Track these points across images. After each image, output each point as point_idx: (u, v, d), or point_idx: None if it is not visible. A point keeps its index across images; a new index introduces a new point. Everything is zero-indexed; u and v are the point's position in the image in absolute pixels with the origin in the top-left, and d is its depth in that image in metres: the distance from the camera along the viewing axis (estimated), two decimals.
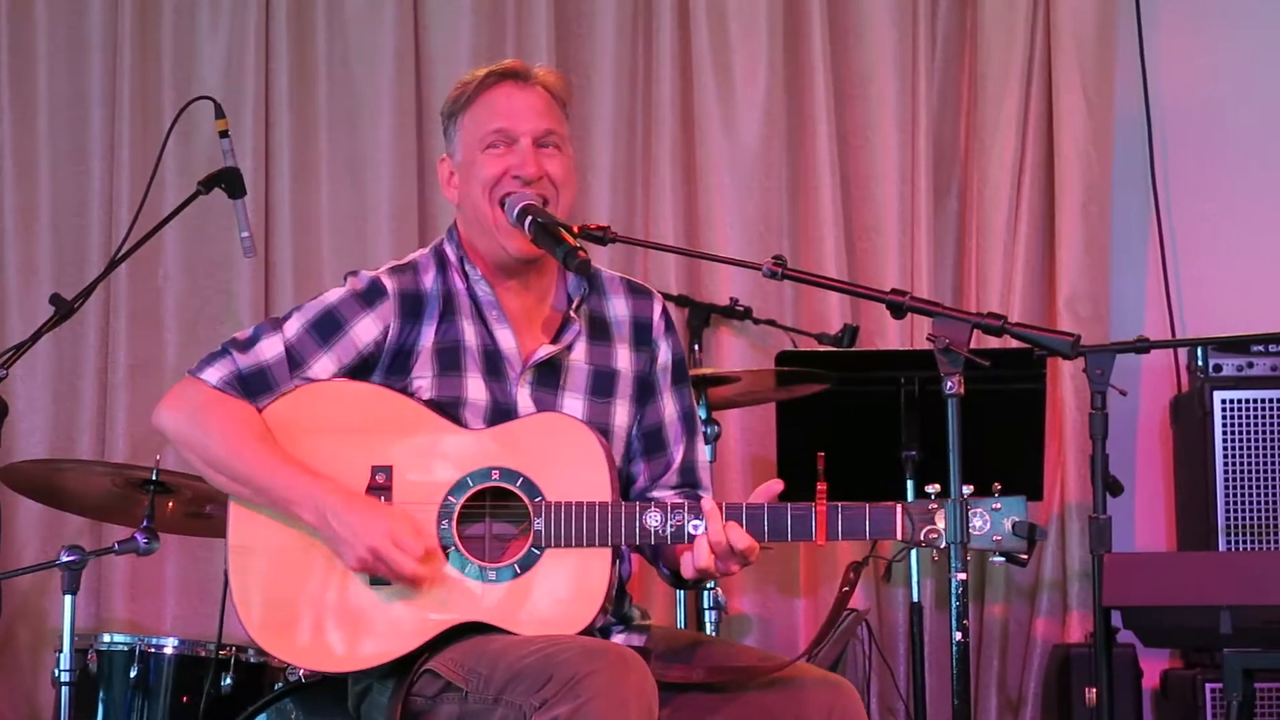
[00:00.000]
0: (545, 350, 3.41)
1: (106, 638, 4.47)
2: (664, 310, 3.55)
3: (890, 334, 5.52)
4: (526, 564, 3.24)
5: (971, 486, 3.15)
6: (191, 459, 3.37)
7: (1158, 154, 5.79)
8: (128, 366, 5.40)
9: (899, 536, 3.19)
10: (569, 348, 3.43)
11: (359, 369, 3.38)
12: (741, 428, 5.50)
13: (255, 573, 3.31)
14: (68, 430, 5.42)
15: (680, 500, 3.28)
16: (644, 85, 5.67)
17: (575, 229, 3.31)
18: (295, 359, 3.34)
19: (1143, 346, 4.45)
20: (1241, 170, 5.82)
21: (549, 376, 3.42)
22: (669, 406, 3.53)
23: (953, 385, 3.10)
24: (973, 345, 3.13)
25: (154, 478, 4.31)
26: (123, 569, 5.31)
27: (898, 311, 3.24)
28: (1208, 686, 4.94)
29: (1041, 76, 5.66)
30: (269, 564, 3.30)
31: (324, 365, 3.35)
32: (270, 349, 3.35)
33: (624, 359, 3.48)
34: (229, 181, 4.31)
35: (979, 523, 3.17)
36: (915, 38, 5.66)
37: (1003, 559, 3.20)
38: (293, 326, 3.37)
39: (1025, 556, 3.19)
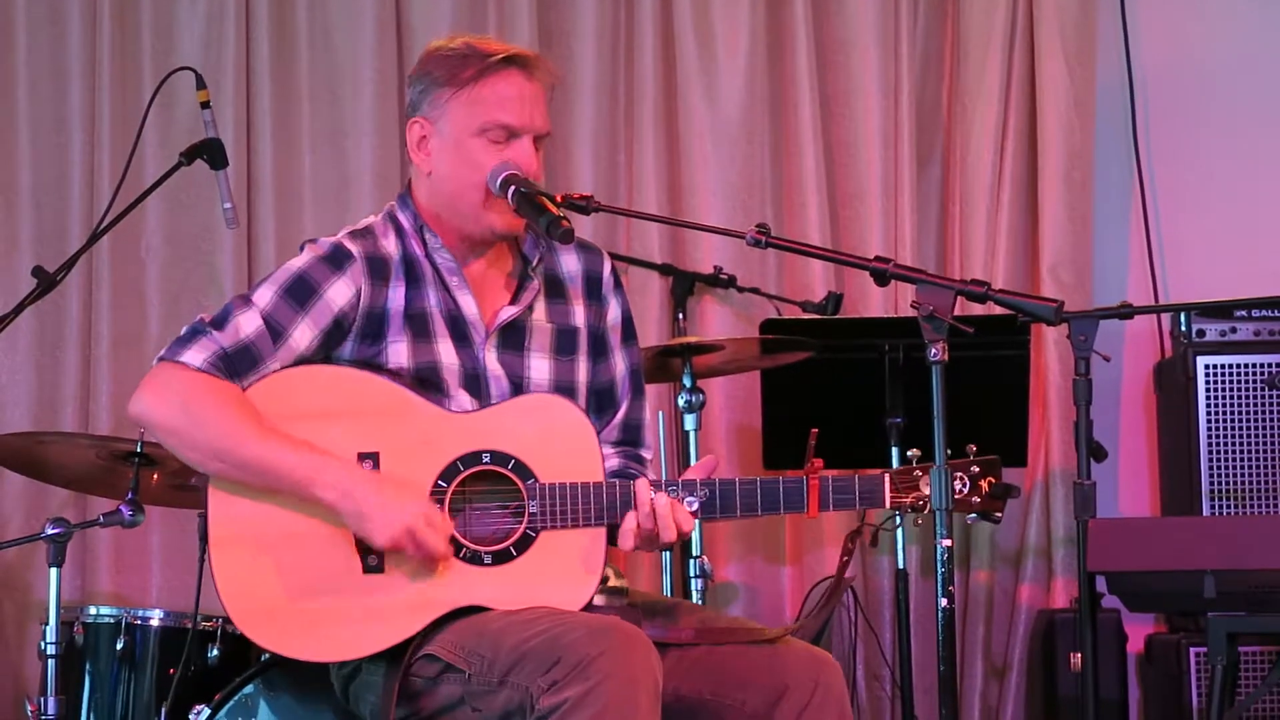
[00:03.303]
0: (507, 312, 3.42)
1: (92, 610, 4.46)
2: (613, 268, 3.58)
3: (874, 301, 5.51)
4: (522, 546, 3.24)
5: (948, 450, 3.19)
6: (184, 450, 3.26)
7: (1140, 120, 5.78)
8: (111, 339, 5.37)
9: (887, 505, 3.24)
10: (529, 308, 3.45)
11: (334, 335, 3.34)
12: (726, 396, 5.50)
13: (242, 566, 3.24)
14: (51, 403, 5.39)
15: (673, 480, 3.29)
16: (626, 53, 5.64)
17: (559, 198, 3.32)
18: (274, 329, 3.28)
19: (1126, 312, 4.46)
20: (1223, 136, 5.81)
21: (513, 338, 3.43)
22: (619, 364, 3.56)
23: (937, 352, 3.12)
24: (956, 312, 3.14)
25: (139, 450, 4.30)
26: (108, 541, 5.29)
27: (881, 279, 3.25)
28: (1192, 651, 4.96)
29: (1024, 42, 5.64)
30: (255, 557, 3.24)
31: (303, 332, 3.31)
32: (249, 323, 3.28)
33: (580, 315, 3.51)
34: (211, 153, 4.30)
35: (958, 485, 3.24)
36: (897, 4, 5.63)
37: (975, 517, 3.27)
38: (264, 296, 3.31)
39: (999, 515, 3.26)
